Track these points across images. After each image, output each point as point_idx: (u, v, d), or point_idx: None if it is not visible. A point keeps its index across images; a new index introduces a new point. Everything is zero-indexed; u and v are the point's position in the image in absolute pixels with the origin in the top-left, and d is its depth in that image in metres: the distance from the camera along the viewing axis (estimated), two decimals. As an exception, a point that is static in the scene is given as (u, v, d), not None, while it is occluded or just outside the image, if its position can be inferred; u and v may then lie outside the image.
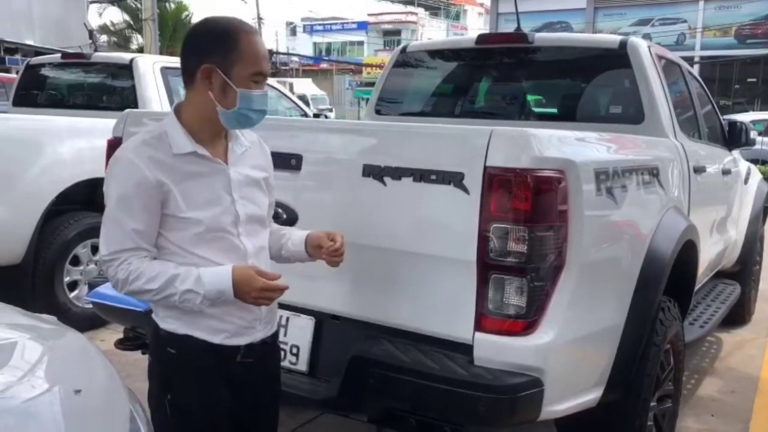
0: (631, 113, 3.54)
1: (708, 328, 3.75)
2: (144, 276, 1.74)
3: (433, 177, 2.16)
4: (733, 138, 4.53)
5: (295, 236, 2.08)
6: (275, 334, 2.04)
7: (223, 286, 1.76)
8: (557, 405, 2.19)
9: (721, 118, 4.71)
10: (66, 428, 1.41)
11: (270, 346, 2.00)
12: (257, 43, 1.83)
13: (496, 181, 2.06)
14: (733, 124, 4.60)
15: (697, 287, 3.64)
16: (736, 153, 4.79)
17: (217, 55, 1.80)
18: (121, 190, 1.75)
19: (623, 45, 3.61)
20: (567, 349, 2.20)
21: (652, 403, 2.74)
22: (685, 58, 5.67)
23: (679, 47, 25.30)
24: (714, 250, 4.13)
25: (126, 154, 1.78)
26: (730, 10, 26.07)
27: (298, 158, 2.42)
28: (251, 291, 1.78)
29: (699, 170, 3.59)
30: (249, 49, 1.80)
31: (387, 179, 2.25)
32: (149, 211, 1.75)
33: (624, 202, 2.47)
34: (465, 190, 2.11)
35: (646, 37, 21.96)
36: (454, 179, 2.12)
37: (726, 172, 4.37)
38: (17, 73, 7.74)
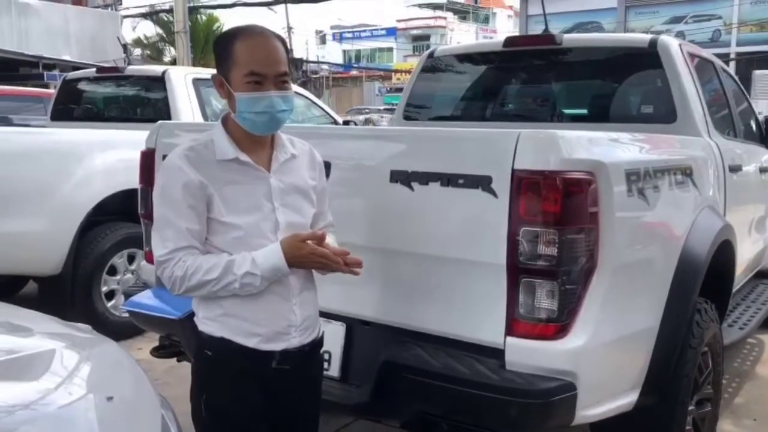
0: (663, 113, 3.49)
1: (748, 330, 3.67)
2: (202, 268, 1.78)
3: (461, 181, 2.15)
4: (771, 135, 4.44)
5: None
6: (315, 343, 2.01)
7: (275, 262, 1.80)
8: (592, 409, 2.17)
9: (757, 115, 4.61)
10: (100, 434, 1.44)
11: (309, 355, 1.98)
12: (252, 45, 1.84)
13: (525, 183, 2.04)
14: (770, 121, 4.51)
15: (735, 288, 3.56)
16: (774, 150, 4.68)
17: (220, 65, 1.88)
18: (170, 192, 1.81)
19: (653, 44, 3.56)
20: (600, 352, 2.16)
21: (691, 407, 2.69)
22: (721, 55, 5.57)
23: (715, 44, 24.81)
24: (753, 249, 4.04)
25: (173, 158, 1.85)
26: (766, 4, 25.50)
27: (326, 165, 2.43)
28: (302, 257, 1.82)
29: (735, 169, 3.52)
30: (242, 52, 1.83)
31: (414, 184, 2.25)
32: (197, 212, 1.81)
33: (656, 203, 2.43)
34: (493, 193, 2.09)
35: (680, 34, 21.65)
36: (482, 183, 2.11)
37: (764, 170, 4.28)
38: (55, 87, 7.92)
